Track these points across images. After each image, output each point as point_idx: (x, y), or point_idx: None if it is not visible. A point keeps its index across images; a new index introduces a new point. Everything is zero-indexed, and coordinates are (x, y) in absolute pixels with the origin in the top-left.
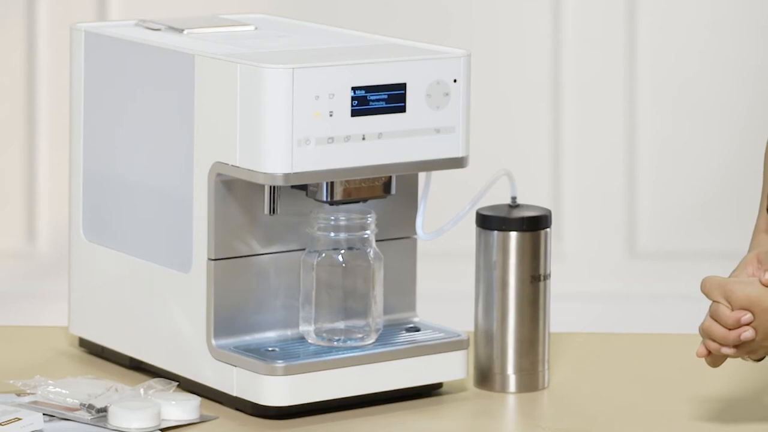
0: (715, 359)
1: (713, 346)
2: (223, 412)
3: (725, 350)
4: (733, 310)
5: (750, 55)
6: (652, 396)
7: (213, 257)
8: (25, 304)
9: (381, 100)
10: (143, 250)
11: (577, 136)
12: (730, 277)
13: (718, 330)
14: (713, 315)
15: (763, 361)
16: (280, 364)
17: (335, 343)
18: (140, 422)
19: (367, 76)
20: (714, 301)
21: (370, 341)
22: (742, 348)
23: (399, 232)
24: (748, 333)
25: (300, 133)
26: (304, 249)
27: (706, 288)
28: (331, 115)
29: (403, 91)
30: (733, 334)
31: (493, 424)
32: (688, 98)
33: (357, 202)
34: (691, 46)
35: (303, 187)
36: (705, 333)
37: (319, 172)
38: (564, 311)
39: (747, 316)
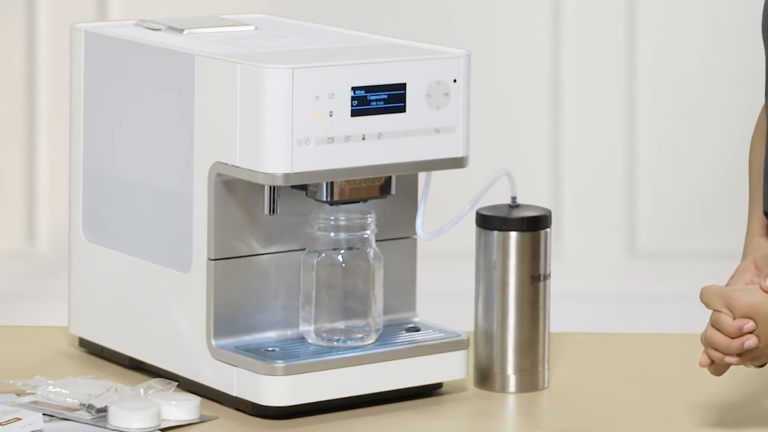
0: (718, 368)
1: (716, 355)
2: (223, 412)
3: (728, 359)
4: (734, 318)
5: (750, 55)
6: (652, 396)
7: (213, 257)
8: (25, 304)
9: (381, 100)
10: (143, 250)
11: (577, 136)
12: (727, 285)
13: (721, 339)
14: (715, 324)
15: None
16: (280, 364)
17: (335, 343)
18: (140, 422)
19: (367, 76)
20: (715, 311)
21: (370, 341)
22: (745, 356)
23: (399, 232)
24: (750, 341)
25: (300, 133)
26: (304, 249)
27: (705, 297)
28: (331, 115)
29: (403, 91)
30: (736, 342)
31: (493, 424)
32: (688, 98)
33: (357, 202)
34: (691, 46)
35: (303, 187)
36: (707, 342)
37: (319, 172)
38: (564, 311)
39: (749, 324)
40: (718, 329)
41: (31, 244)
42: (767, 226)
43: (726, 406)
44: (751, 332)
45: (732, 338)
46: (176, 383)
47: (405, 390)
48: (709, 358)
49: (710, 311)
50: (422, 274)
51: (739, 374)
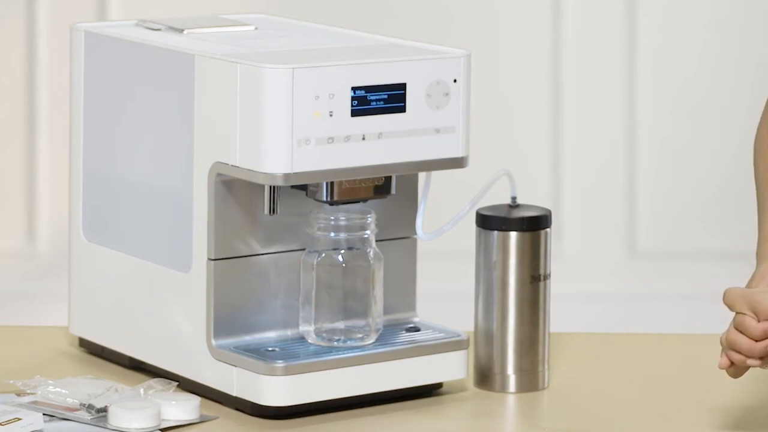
0: (737, 370)
1: (738, 357)
2: (223, 412)
3: (751, 362)
4: (759, 321)
5: (750, 55)
6: (652, 396)
7: (213, 257)
8: (25, 304)
9: (381, 100)
10: (143, 250)
11: (577, 136)
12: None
13: (744, 342)
14: (738, 326)
15: None
16: (280, 364)
17: (335, 343)
18: (140, 422)
19: (367, 76)
20: (738, 313)
21: (370, 341)
22: (767, 359)
23: (399, 232)
24: None
25: (300, 133)
26: (304, 249)
27: (730, 300)
28: (331, 115)
29: (403, 91)
30: (760, 345)
31: (493, 424)
32: (688, 98)
33: (357, 202)
34: (691, 46)
35: (303, 187)
36: (729, 345)
37: (319, 172)
38: (564, 311)
39: None
40: (741, 332)
41: (31, 244)
42: None
43: (728, 406)
44: None
45: (756, 341)
46: (176, 383)
47: (405, 390)
48: (729, 360)
49: (726, 313)
50: (422, 274)
51: (743, 374)
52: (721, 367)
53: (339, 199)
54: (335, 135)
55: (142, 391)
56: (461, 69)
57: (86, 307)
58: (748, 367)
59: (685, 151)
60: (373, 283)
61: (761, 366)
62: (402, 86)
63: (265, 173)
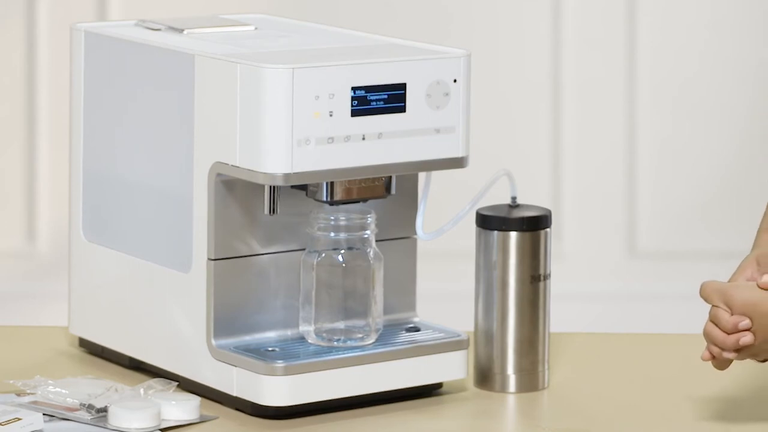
0: (720, 363)
1: (715, 350)
2: (223, 412)
3: (726, 354)
4: (732, 314)
5: (750, 55)
6: (652, 396)
7: (213, 257)
8: (25, 304)
9: (381, 100)
10: (143, 250)
11: (577, 136)
12: (729, 280)
13: (718, 334)
14: (713, 319)
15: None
16: (280, 364)
17: (335, 343)
18: (140, 422)
19: (367, 76)
20: (714, 306)
21: (370, 341)
22: (743, 352)
23: (399, 232)
24: (746, 338)
25: (300, 133)
26: (304, 249)
27: (705, 293)
28: (331, 115)
29: (403, 91)
30: (732, 338)
31: (493, 424)
32: (688, 98)
33: (357, 202)
34: (691, 46)
35: (303, 187)
36: (706, 337)
37: (319, 172)
38: (564, 311)
39: (744, 322)
40: (716, 324)
41: (31, 244)
42: None
43: (727, 405)
44: (746, 329)
45: (728, 334)
46: (176, 383)
47: (405, 390)
48: (710, 352)
49: (710, 306)
50: (422, 274)
51: (741, 373)
52: (703, 360)
53: (339, 199)
54: (335, 135)
55: (142, 391)
56: (461, 69)
57: (86, 307)
58: (730, 360)
59: (685, 151)
60: (373, 283)
61: (740, 358)
62: (402, 86)
63: (265, 173)
